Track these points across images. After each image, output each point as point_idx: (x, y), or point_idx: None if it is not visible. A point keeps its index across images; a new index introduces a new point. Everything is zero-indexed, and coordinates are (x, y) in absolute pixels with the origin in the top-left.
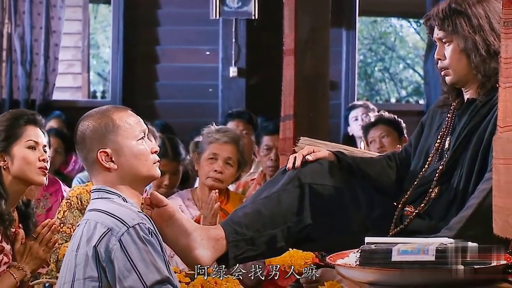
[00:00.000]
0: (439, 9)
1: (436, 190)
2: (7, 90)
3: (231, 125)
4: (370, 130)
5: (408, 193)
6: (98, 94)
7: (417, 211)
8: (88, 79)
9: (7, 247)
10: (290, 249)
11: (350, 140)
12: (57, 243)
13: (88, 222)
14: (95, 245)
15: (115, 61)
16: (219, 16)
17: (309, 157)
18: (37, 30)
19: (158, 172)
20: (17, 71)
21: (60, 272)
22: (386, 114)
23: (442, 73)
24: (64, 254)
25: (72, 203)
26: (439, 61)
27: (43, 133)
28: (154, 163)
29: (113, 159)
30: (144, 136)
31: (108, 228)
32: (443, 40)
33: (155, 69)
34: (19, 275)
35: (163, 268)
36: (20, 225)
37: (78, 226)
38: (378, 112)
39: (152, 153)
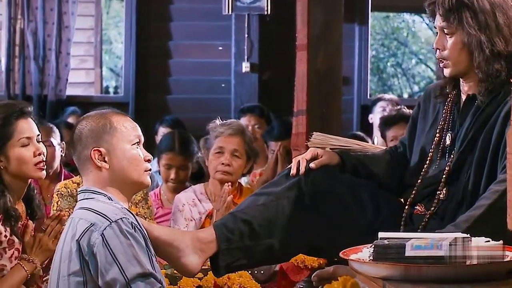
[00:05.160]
0: None
1: (444, 191)
2: (20, 85)
3: (243, 120)
4: (391, 127)
5: (414, 192)
6: (111, 90)
7: (429, 212)
8: (101, 74)
9: (16, 240)
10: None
11: (367, 129)
12: None
13: (72, 219)
14: (77, 239)
15: (127, 56)
16: (232, 11)
17: (312, 165)
18: (49, 26)
19: (148, 181)
20: (29, 67)
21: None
22: (405, 110)
23: (441, 64)
24: None
25: (62, 193)
26: (438, 50)
27: (35, 123)
28: (146, 171)
29: (105, 159)
30: (139, 142)
31: (91, 223)
32: (445, 31)
33: (167, 64)
34: (29, 268)
35: (145, 262)
36: (27, 217)
37: (65, 224)
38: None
39: (145, 161)
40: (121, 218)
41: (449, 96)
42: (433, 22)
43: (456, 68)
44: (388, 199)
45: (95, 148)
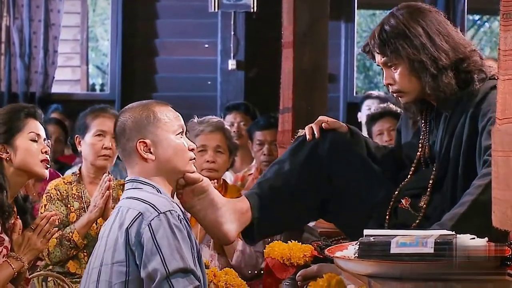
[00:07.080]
0: (374, 35)
1: (429, 198)
2: (5, 83)
3: (229, 118)
4: (376, 122)
5: (398, 190)
6: (97, 87)
7: (420, 215)
8: (87, 72)
9: (6, 238)
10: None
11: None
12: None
13: (120, 209)
14: (127, 227)
15: (114, 54)
16: (218, 8)
17: (325, 125)
18: (35, 23)
19: (193, 169)
20: (15, 64)
21: (89, 258)
22: (392, 106)
23: (395, 95)
24: (54, 245)
25: (52, 195)
26: (390, 85)
27: (43, 127)
28: (190, 160)
29: (151, 150)
30: (182, 132)
31: (140, 212)
32: (388, 64)
33: (153, 62)
34: (16, 265)
35: (188, 258)
36: (17, 216)
37: (111, 214)
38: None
39: (189, 150)
40: (169, 211)
41: (423, 110)
42: (375, 62)
43: (412, 96)
44: (388, 183)
45: (141, 140)
